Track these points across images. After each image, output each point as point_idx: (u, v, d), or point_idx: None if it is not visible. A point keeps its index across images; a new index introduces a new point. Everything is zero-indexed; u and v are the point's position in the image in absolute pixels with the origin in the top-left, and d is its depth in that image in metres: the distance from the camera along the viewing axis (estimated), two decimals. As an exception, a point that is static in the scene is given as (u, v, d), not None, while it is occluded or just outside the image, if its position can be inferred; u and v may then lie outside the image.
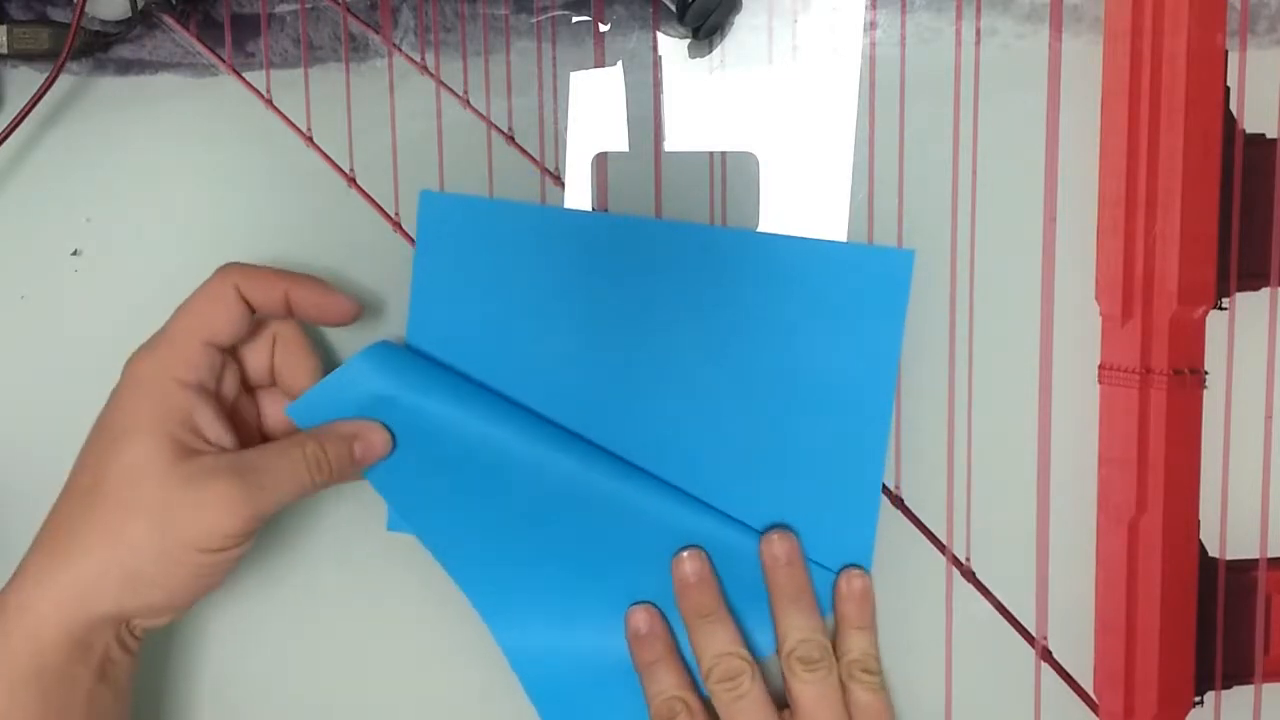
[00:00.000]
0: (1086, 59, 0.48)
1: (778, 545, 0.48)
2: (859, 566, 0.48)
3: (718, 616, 0.48)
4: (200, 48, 0.51)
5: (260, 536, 0.44)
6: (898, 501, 0.49)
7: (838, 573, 0.48)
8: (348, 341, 0.50)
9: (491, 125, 0.50)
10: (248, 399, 0.48)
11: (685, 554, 0.48)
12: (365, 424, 0.46)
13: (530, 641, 0.49)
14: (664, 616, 0.49)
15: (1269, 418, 0.49)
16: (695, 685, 0.48)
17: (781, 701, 0.48)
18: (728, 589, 0.48)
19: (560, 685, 0.49)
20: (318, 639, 0.51)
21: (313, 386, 0.46)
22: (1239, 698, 0.49)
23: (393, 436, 0.47)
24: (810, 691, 0.46)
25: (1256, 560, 0.49)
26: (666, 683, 0.48)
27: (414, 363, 0.48)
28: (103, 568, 0.41)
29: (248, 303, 0.45)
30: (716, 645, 0.47)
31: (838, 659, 0.48)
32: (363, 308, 0.47)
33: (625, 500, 0.48)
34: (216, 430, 0.44)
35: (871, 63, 0.49)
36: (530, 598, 0.49)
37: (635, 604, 0.49)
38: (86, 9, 0.48)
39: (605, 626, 0.49)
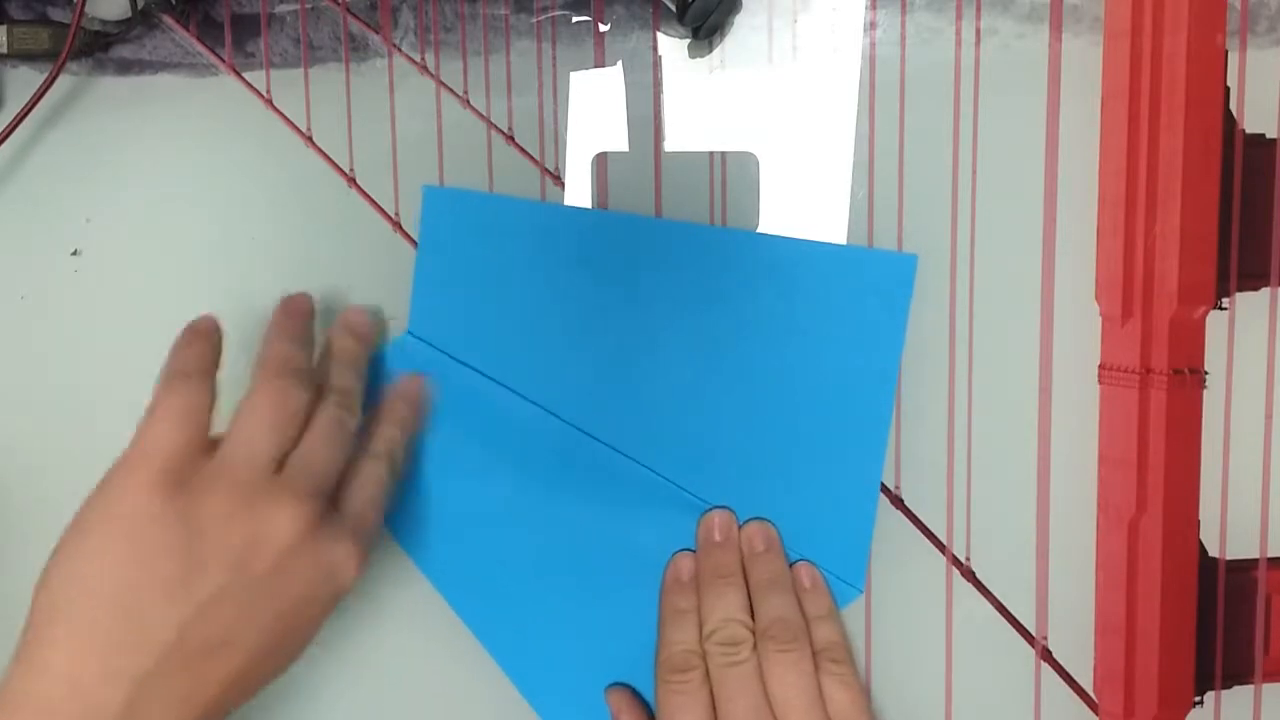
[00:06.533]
0: (1086, 59, 0.48)
1: (755, 533, 0.48)
2: (806, 560, 0.48)
3: (734, 581, 0.47)
4: (200, 48, 0.51)
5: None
6: (898, 501, 0.49)
7: (830, 574, 0.48)
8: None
9: (491, 125, 0.50)
10: None
11: (715, 512, 0.48)
12: (410, 396, 0.48)
13: (524, 644, 0.49)
14: None
15: (1269, 418, 0.49)
16: None
17: None
18: None
19: (556, 685, 0.49)
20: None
21: None
22: (1239, 698, 0.49)
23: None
24: (786, 675, 0.45)
25: (1256, 560, 0.49)
26: (690, 635, 0.47)
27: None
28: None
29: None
30: (725, 608, 0.46)
31: None
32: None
33: (622, 500, 0.48)
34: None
35: (871, 63, 0.49)
36: (521, 600, 0.49)
37: (681, 551, 0.48)
38: (86, 9, 0.48)
39: (600, 631, 0.49)
